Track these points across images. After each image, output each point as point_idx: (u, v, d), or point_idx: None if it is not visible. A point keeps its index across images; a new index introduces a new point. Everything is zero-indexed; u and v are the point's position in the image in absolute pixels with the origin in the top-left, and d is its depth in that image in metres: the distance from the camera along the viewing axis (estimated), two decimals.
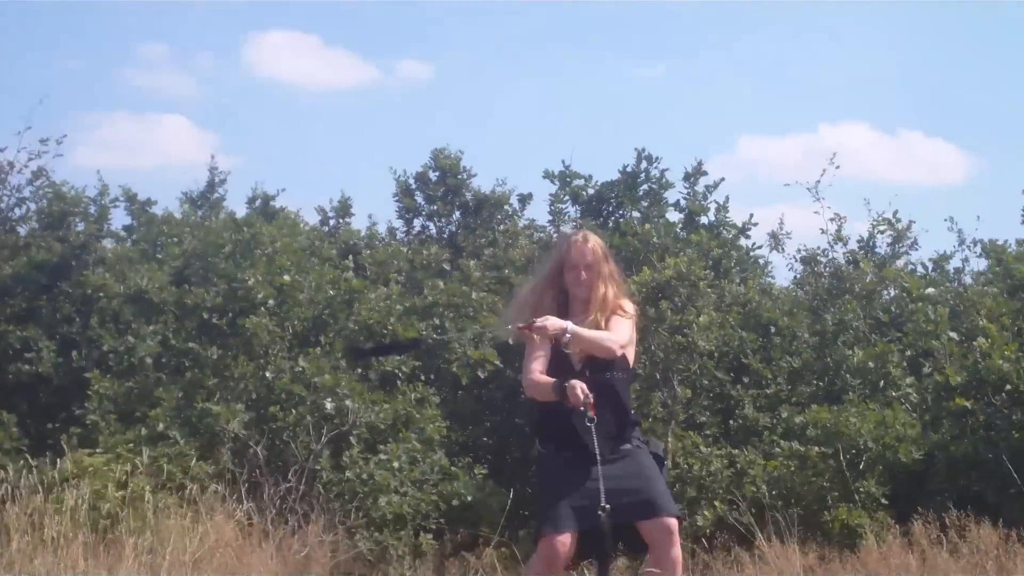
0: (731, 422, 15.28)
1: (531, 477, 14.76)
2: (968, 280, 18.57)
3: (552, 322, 6.48)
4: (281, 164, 38.32)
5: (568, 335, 6.51)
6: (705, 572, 10.17)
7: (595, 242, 6.95)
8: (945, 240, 28.59)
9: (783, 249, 18.67)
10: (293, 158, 38.77)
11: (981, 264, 19.79)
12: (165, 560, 7.50)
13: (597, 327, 6.70)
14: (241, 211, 17.57)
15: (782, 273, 18.89)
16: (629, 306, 6.89)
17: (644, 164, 16.19)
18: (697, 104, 44.92)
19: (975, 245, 20.22)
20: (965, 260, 19.24)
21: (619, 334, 6.74)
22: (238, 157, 41.92)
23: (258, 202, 18.39)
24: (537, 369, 6.61)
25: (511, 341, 6.74)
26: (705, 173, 16.33)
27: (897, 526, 8.54)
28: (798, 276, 19.44)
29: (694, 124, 44.69)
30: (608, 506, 6.30)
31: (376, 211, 32.98)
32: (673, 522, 6.69)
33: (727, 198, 16.44)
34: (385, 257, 15.03)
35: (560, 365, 6.63)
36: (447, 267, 15.47)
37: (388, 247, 15.62)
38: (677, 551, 6.72)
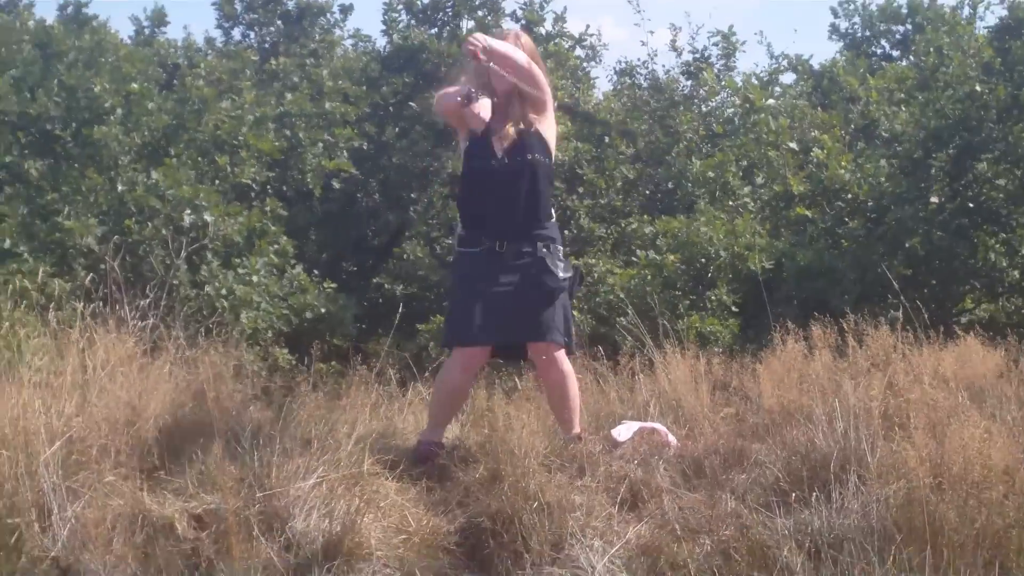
0: (567, 232, 15.32)
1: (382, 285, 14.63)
2: (777, 91, 18.86)
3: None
4: None
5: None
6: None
7: (525, 42, 6.95)
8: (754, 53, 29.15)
9: (600, 60, 18.69)
10: None
11: (789, 78, 20.24)
12: (67, 379, 7.12)
13: (516, 125, 6.71)
14: (52, 18, 16.74)
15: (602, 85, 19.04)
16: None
17: None
18: None
19: (783, 59, 20.63)
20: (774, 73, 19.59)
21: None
22: None
23: (69, 9, 17.45)
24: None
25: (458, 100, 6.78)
26: None
27: (799, 331, 8.69)
28: (616, 88, 19.53)
29: None
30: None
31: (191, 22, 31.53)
32: (550, 347, 6.69)
33: (565, 8, 16.28)
34: (236, 66, 14.39)
35: (480, 149, 6.61)
36: (296, 79, 14.94)
37: (239, 56, 14.95)
38: (554, 376, 6.76)
